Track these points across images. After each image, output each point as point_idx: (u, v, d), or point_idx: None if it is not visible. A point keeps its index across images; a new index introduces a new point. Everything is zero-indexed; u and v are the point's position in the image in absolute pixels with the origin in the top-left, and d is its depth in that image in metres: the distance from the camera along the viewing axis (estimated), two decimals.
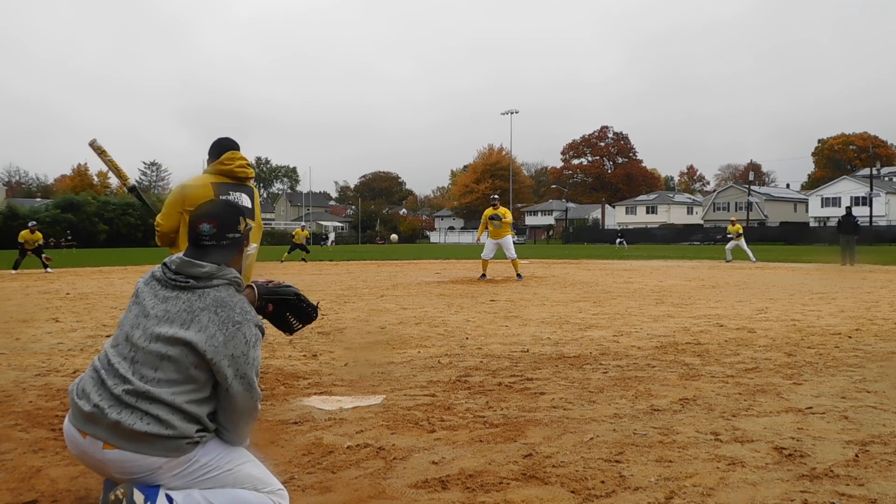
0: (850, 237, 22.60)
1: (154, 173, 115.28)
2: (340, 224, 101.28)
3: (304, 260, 28.23)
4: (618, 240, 55.81)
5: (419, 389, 4.69)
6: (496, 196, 16.87)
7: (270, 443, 3.46)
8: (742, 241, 26.15)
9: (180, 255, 2.49)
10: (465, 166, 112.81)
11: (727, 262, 25.22)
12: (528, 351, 6.20)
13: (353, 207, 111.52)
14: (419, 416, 3.99)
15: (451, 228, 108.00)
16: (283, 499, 2.45)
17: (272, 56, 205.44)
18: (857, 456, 3.22)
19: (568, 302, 10.62)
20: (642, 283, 14.85)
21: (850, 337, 6.91)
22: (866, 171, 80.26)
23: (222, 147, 4.20)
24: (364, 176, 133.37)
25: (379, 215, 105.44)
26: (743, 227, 27.55)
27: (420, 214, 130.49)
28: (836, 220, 22.53)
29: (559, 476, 2.98)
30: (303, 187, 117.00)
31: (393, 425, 3.81)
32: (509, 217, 15.95)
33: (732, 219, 29.54)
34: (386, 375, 5.16)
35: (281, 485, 2.47)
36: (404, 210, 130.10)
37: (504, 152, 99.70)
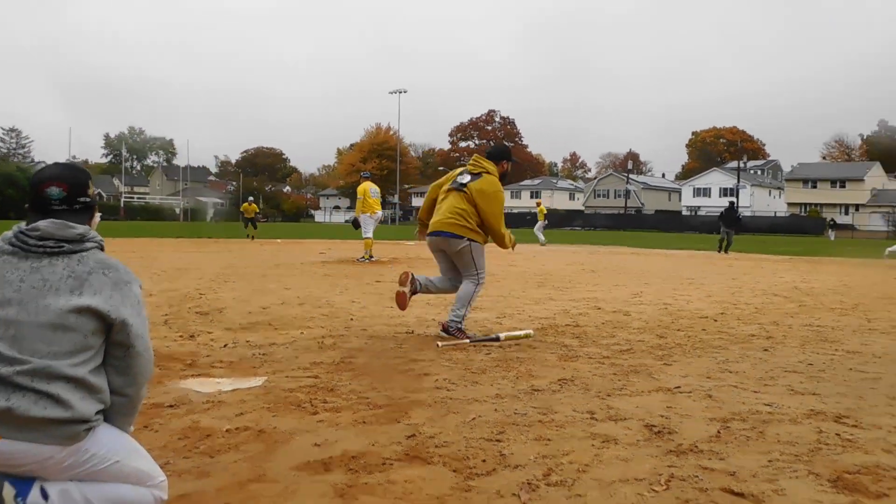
0: (730, 228, 23.87)
1: (13, 140, 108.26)
2: (220, 200, 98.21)
3: (251, 237, 27.21)
4: None
5: (302, 371, 4.64)
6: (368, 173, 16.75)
7: (143, 427, 3.35)
8: (538, 224, 28.55)
9: (22, 224, 2.30)
10: (351, 145, 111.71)
11: (542, 244, 27.13)
12: (412, 332, 6.25)
13: (234, 183, 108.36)
14: (302, 398, 3.96)
15: (337, 208, 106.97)
16: (164, 491, 2.37)
17: (148, 23, 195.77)
18: (719, 432, 3.44)
19: None
20: (525, 266, 15.21)
21: (715, 320, 7.35)
22: (734, 164, 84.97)
23: None
24: (246, 151, 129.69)
25: (261, 192, 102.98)
26: (545, 213, 29.62)
27: (304, 193, 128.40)
28: (719, 211, 23.85)
29: (442, 456, 3.04)
30: (180, 161, 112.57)
31: (274, 408, 3.76)
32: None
33: (538, 201, 31.69)
34: (267, 357, 5.08)
35: (164, 475, 2.39)
36: (288, 188, 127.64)
37: (392, 132, 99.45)
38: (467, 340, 5.69)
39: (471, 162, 6.16)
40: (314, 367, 4.75)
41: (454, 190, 5.98)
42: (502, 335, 5.66)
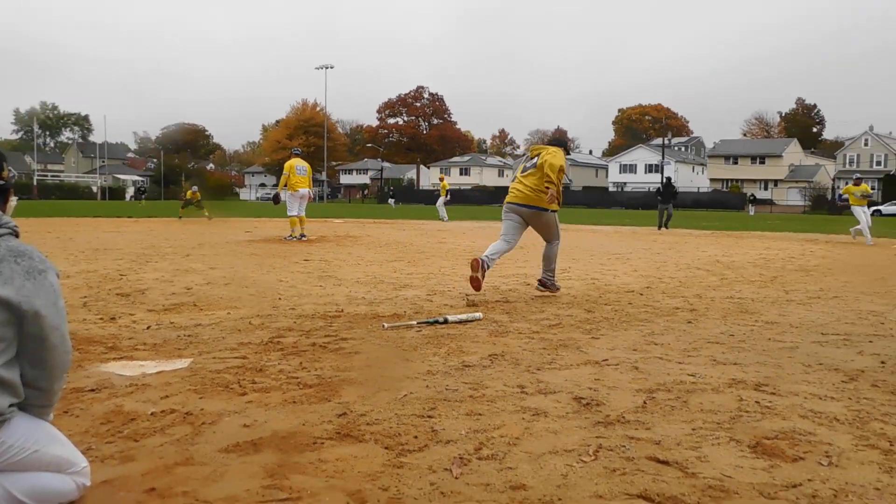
0: (667, 204, 24.25)
1: None
2: (141, 178, 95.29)
3: (180, 217, 26.98)
4: (390, 200, 58.09)
5: (229, 352, 4.57)
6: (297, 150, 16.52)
7: (64, 413, 3.24)
8: (440, 200, 29.17)
9: None
10: (277, 121, 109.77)
11: (445, 220, 27.82)
12: (342, 311, 6.21)
13: (155, 161, 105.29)
14: (229, 379, 3.90)
15: (263, 185, 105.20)
16: (86, 476, 2.30)
17: None
18: (645, 403, 3.54)
19: (383, 262, 10.73)
20: (455, 243, 15.28)
21: (641, 294, 7.53)
22: (659, 141, 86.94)
23: None
24: (167, 127, 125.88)
25: (184, 170, 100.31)
26: (448, 189, 30.26)
27: (229, 170, 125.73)
28: (657, 187, 24.26)
29: (373, 433, 3.04)
30: (97, 137, 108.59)
31: (201, 389, 3.69)
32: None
33: (441, 175, 32.90)
34: (193, 338, 4.98)
35: (86, 461, 2.32)
36: (211, 165, 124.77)
37: (319, 108, 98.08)
38: (414, 323, 5.68)
39: (531, 150, 7.71)
40: (242, 348, 4.69)
41: (530, 170, 7.33)
42: (450, 318, 5.68)
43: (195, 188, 29.18)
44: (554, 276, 7.59)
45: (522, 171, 7.46)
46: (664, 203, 24.21)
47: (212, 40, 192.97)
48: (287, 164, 15.42)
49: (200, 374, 3.99)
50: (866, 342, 5.15)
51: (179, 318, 5.78)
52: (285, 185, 15.32)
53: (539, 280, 7.59)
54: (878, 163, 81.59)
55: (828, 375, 4.15)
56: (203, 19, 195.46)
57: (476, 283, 7.00)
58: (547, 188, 7.04)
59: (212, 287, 7.57)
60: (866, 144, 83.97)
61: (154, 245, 13.36)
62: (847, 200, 18.44)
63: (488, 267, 7.13)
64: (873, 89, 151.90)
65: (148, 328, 5.33)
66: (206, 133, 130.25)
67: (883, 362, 4.50)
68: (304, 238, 15.16)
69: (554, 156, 7.11)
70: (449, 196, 29.89)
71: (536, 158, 7.29)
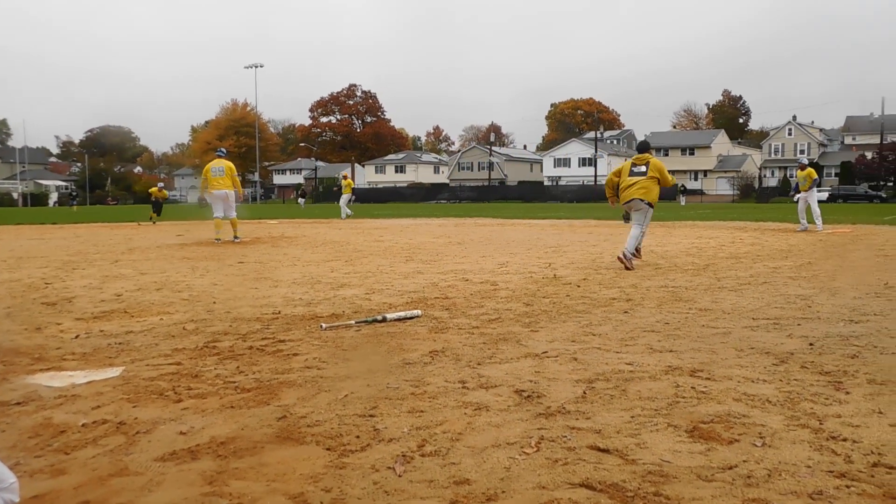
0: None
1: None
2: (64, 183, 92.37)
3: (151, 220, 26.36)
4: (300, 199, 58.16)
5: (163, 358, 4.47)
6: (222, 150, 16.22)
7: None
8: (344, 197, 29.04)
9: None
10: (206, 122, 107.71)
11: (344, 218, 27.87)
12: (279, 313, 6.14)
13: (80, 165, 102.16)
14: (164, 386, 3.82)
15: (193, 188, 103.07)
16: (15, 493, 2.22)
17: None
18: (584, 393, 3.60)
19: (320, 262, 10.64)
20: (393, 241, 15.25)
21: (578, 286, 7.65)
22: (592, 135, 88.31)
23: None
24: (91, 130, 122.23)
25: (110, 173, 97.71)
26: (353, 186, 30.32)
27: (158, 173, 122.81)
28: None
29: (314, 435, 3.02)
30: (16, 142, 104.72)
31: (135, 398, 3.60)
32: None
33: (344, 174, 32.04)
34: (124, 346, 4.86)
35: (14, 477, 2.24)
36: (139, 168, 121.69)
37: (249, 108, 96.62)
38: (353, 322, 5.64)
39: (634, 160, 9.94)
40: (176, 354, 4.59)
41: (639, 176, 9.70)
42: (389, 316, 5.66)
43: (161, 185, 28.51)
44: (634, 252, 9.69)
45: (631, 175, 9.79)
46: None
47: (137, 38, 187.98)
48: (205, 167, 15.41)
49: (133, 383, 3.89)
50: (795, 325, 5.34)
51: (110, 325, 5.63)
52: (206, 188, 15.30)
53: (624, 252, 9.41)
54: (802, 151, 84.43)
55: (759, 359, 4.28)
56: (128, 16, 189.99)
57: (630, 265, 9.25)
58: (659, 187, 9.78)
59: (143, 293, 7.39)
60: (790, 134, 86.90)
61: (81, 251, 12.97)
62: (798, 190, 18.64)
63: (632, 255, 9.43)
64: (795, 79, 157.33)
65: (76, 337, 5.17)
66: (133, 135, 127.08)
67: (811, 344, 4.66)
68: (237, 240, 14.90)
69: (659, 161, 9.87)
70: (354, 195, 30.07)
71: (644, 167, 9.72)
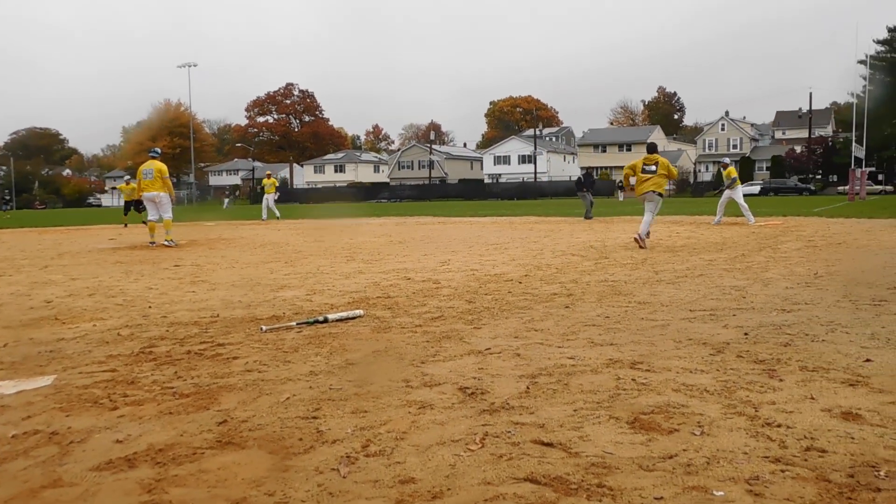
0: (587, 193, 24.29)
1: None
2: None
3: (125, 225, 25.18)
4: (225, 200, 57.11)
5: (97, 365, 4.35)
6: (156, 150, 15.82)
7: None
8: (268, 198, 28.18)
9: None
10: (138, 122, 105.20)
11: (265, 219, 27.18)
12: (218, 316, 6.04)
13: (4, 168, 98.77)
14: (98, 393, 3.72)
15: (114, 188, 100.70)
16: None
17: None
18: (528, 388, 3.63)
19: (258, 263, 10.50)
20: (333, 241, 15.15)
21: (520, 282, 7.71)
22: (531, 132, 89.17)
23: None
24: (16, 132, 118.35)
25: (37, 177, 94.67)
26: (276, 185, 29.48)
27: (88, 175, 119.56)
28: (577, 178, 24.25)
29: (256, 439, 2.98)
30: None
31: (67, 407, 3.50)
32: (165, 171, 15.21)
33: (267, 172, 31.04)
34: (56, 353, 4.71)
35: None
36: (68, 171, 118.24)
37: (183, 108, 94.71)
38: (294, 324, 5.57)
39: (644, 160, 12.47)
40: (111, 360, 4.47)
41: (651, 174, 12.30)
42: (330, 317, 5.61)
43: (128, 177, 27.37)
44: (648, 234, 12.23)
45: (644, 171, 12.38)
46: (582, 192, 24.31)
47: (61, 32, 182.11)
48: (139, 169, 15.22)
49: (66, 391, 3.78)
50: (731, 316, 5.48)
51: (39, 333, 5.45)
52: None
53: (640, 235, 11.89)
54: (735, 146, 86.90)
55: (697, 350, 4.38)
56: (45, 3, 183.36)
57: (643, 244, 11.75)
58: (668, 180, 12.65)
59: (74, 299, 7.18)
60: (723, 129, 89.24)
61: (7, 257, 12.53)
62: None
63: (644, 237, 11.95)
64: (727, 76, 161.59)
65: (4, 346, 5.00)
66: (61, 137, 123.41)
67: (746, 334, 4.80)
68: (168, 244, 14.50)
69: (665, 160, 12.57)
70: (278, 194, 29.30)
71: (654, 166, 12.30)
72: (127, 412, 3.40)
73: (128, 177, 26.76)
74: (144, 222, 25.04)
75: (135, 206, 25.90)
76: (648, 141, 14.18)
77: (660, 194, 12.50)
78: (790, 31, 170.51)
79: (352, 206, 51.00)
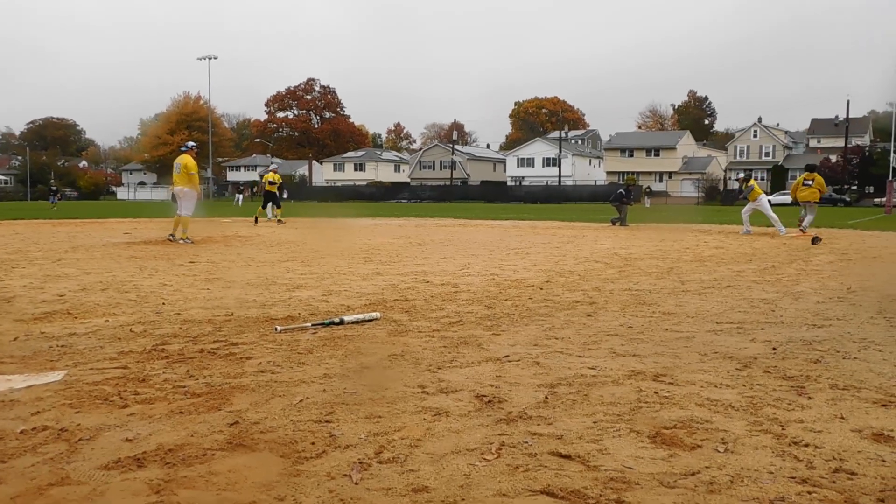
0: (625, 206, 23.95)
1: None
2: (4, 177, 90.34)
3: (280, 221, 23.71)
4: (238, 195, 54.18)
5: (108, 362, 4.39)
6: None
7: None
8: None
9: None
10: (156, 115, 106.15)
11: (269, 218, 24.86)
12: (232, 315, 6.07)
13: (20, 158, 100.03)
14: (109, 390, 3.75)
15: (142, 184, 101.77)
16: None
17: None
18: (546, 398, 3.62)
19: (275, 262, 10.56)
20: (351, 241, 15.19)
21: (541, 289, 7.69)
22: (556, 134, 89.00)
23: None
24: (33, 122, 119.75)
25: (53, 168, 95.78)
26: (280, 183, 26.38)
27: (104, 168, 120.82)
28: (619, 192, 23.92)
29: (268, 442, 2.99)
30: None
31: (77, 403, 3.53)
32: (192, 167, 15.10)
33: (272, 167, 27.27)
34: (67, 349, 4.76)
35: None
36: (84, 163, 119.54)
37: (202, 101, 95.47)
38: (309, 325, 5.60)
39: (804, 176, 17.88)
40: (122, 357, 4.51)
41: (808, 187, 17.64)
42: (346, 318, 5.63)
43: (275, 164, 24.67)
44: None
45: (804, 185, 17.58)
46: (615, 202, 24.04)
47: (81, 21, 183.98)
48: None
49: (76, 387, 3.82)
50: (758, 329, 5.44)
51: (51, 327, 5.51)
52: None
53: (803, 229, 17.06)
54: (767, 154, 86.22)
55: (723, 363, 4.35)
56: (72, 1, 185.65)
57: (806, 233, 15.99)
58: (820, 193, 17.60)
59: (87, 293, 7.25)
60: (755, 136, 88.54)
61: (21, 249, 12.69)
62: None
63: (804, 230, 17.09)
64: (762, 81, 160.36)
65: (15, 339, 5.06)
66: (78, 128, 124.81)
67: (774, 349, 4.75)
68: (182, 241, 14.42)
69: (820, 178, 17.60)
70: (286, 194, 26.58)
71: (811, 181, 17.46)
72: (137, 410, 3.42)
73: (275, 163, 24.88)
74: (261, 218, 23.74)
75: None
76: (809, 163, 19.90)
77: (816, 202, 17.67)
78: (830, 36, 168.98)
79: (371, 206, 51.14)
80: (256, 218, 23.79)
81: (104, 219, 27.09)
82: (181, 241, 14.39)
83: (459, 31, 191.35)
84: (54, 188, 47.71)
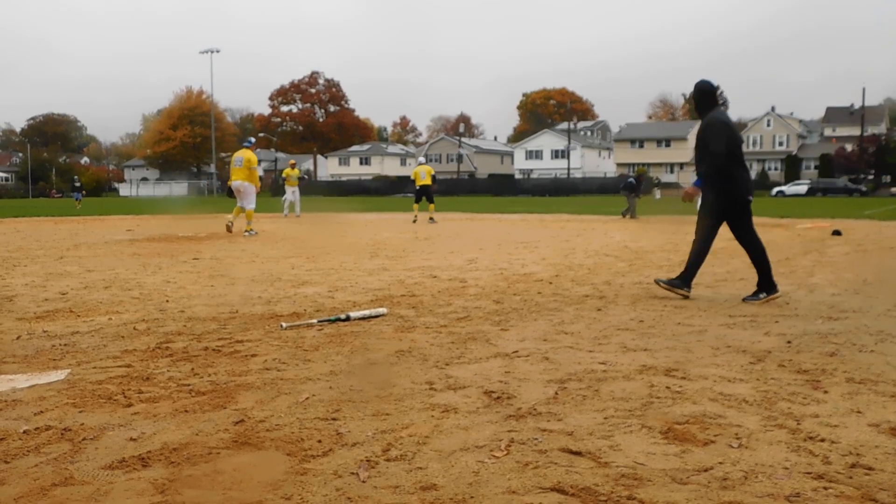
0: (635, 197, 23.97)
1: None
2: (4, 174, 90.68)
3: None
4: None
5: (111, 360, 4.41)
6: None
7: None
8: (290, 191, 25.65)
9: None
10: (158, 110, 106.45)
11: (286, 214, 25.50)
12: (237, 312, 6.09)
13: (21, 155, 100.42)
14: (112, 389, 3.76)
15: (145, 180, 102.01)
16: None
17: None
18: (556, 393, 3.62)
19: (279, 258, 10.58)
20: (357, 236, 15.21)
21: (550, 283, 7.69)
22: (564, 126, 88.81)
23: None
24: (34, 118, 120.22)
25: (54, 164, 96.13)
26: (300, 177, 26.81)
27: (106, 164, 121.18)
28: (629, 181, 23.92)
29: (274, 440, 3.00)
30: None
31: (81, 402, 3.55)
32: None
33: (291, 162, 27.77)
34: (70, 347, 4.78)
35: None
36: (86, 159, 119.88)
37: (205, 96, 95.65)
38: (315, 321, 5.61)
39: None
40: (126, 356, 4.53)
41: None
42: (353, 315, 5.64)
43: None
44: None
45: None
46: (626, 191, 24.00)
47: (80, 12, 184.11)
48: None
49: (79, 386, 3.84)
50: (772, 323, 5.42)
51: (54, 325, 5.54)
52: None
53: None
54: (781, 143, 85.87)
55: (736, 357, 4.34)
56: None
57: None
58: None
59: (90, 291, 7.28)
60: (769, 125, 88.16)
61: (22, 247, 12.75)
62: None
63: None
64: (774, 69, 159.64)
65: (18, 338, 5.08)
66: (79, 124, 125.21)
67: (789, 342, 4.74)
68: (247, 234, 15.42)
69: None
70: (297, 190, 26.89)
71: None
72: (141, 409, 3.44)
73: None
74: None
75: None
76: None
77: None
78: (846, 20, 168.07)
79: (377, 201, 51.15)
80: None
81: (107, 216, 27.16)
82: (245, 234, 15.33)
83: (466, 22, 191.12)
84: (78, 184, 44.40)
